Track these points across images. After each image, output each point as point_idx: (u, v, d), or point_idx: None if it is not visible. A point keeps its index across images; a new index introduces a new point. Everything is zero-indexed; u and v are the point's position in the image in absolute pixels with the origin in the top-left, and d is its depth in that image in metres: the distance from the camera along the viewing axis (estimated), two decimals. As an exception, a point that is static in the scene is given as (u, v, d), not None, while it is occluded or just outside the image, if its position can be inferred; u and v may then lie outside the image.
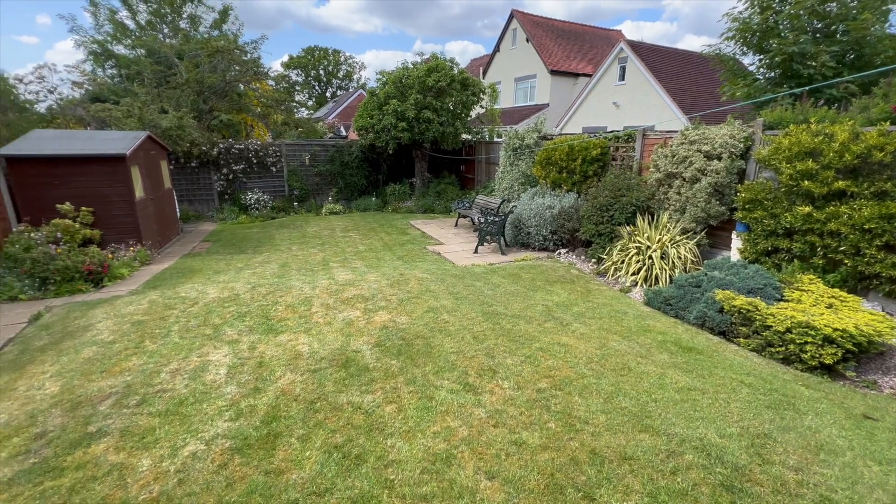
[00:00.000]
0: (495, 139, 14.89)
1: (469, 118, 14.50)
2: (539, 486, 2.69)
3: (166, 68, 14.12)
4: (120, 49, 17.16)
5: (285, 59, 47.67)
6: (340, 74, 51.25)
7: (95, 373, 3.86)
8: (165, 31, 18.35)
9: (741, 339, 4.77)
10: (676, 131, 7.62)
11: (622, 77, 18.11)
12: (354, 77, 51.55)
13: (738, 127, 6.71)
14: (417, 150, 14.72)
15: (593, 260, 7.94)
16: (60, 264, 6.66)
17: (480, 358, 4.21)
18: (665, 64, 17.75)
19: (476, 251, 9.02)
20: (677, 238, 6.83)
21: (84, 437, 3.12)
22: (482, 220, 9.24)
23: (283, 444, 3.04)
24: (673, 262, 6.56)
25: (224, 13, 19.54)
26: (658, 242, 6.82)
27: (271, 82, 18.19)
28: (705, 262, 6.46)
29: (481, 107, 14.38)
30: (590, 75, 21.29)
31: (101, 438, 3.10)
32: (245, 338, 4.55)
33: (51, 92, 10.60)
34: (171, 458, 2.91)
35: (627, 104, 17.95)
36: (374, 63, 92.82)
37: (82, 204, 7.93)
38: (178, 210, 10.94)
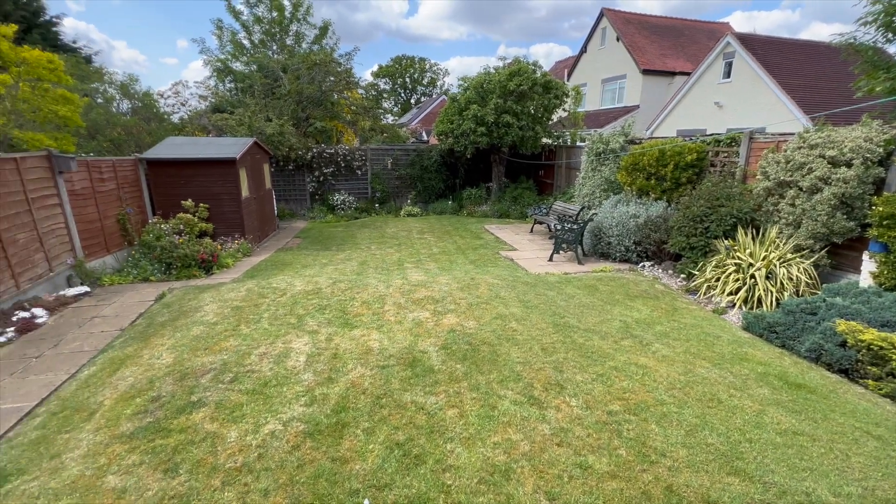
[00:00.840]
0: (577, 143, 14.30)
1: (550, 122, 14.11)
2: (604, 517, 2.50)
3: (272, 81, 15.75)
4: (237, 66, 19.43)
5: (375, 68, 50.62)
6: (425, 81, 53.06)
7: (200, 349, 4.41)
8: (274, 48, 20.34)
9: (869, 381, 4.00)
10: (792, 134, 6.67)
11: (727, 74, 16.32)
12: (438, 83, 53.04)
13: (876, 128, 5.67)
14: (495, 155, 14.67)
15: (682, 275, 7.24)
16: (181, 252, 7.74)
17: (548, 371, 4.04)
18: (781, 57, 15.63)
19: (551, 259, 8.72)
20: (788, 256, 5.95)
21: (187, 405, 3.57)
22: (559, 227, 8.91)
23: (350, 434, 3.19)
24: (781, 284, 5.72)
25: (324, 29, 21.19)
26: (763, 260, 6.00)
27: (361, 91, 19.46)
28: (824, 285, 5.55)
29: (564, 110, 13.91)
30: (688, 74, 19.54)
31: (200, 408, 3.52)
32: (323, 329, 4.88)
33: (183, 105, 12.47)
34: (253, 434, 3.21)
35: (732, 104, 16.12)
36: (458, 69, 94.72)
37: (200, 201, 9.14)
38: (275, 208, 12.13)
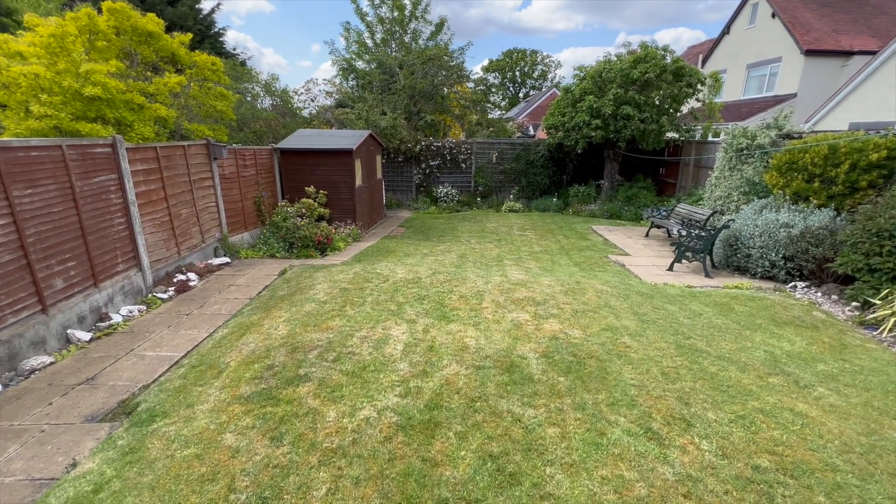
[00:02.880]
0: (711, 139, 12.42)
1: (678, 114, 12.46)
2: None
3: (389, 77, 16.53)
4: (360, 64, 20.83)
5: (485, 63, 50.53)
6: (535, 74, 51.49)
7: (310, 325, 4.68)
8: (393, 45, 21.35)
9: None
10: None
11: (934, 51, 12.61)
12: (549, 76, 51.07)
13: None
14: (609, 150, 13.47)
15: (854, 303, 5.74)
16: (302, 234, 8.48)
17: (670, 401, 3.42)
18: None
19: (671, 268, 7.65)
20: None
21: (295, 377, 3.77)
22: (683, 232, 7.76)
23: (441, 435, 3.04)
24: None
25: (440, 25, 21.60)
26: None
27: (470, 84, 19.47)
28: None
29: (697, 100, 12.14)
30: (872, 53, 15.68)
31: (305, 382, 3.69)
32: (421, 320, 4.84)
33: (312, 101, 13.75)
34: (350, 417, 3.24)
35: (939, 89, 12.43)
36: (571, 60, 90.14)
37: (320, 188, 9.93)
38: (384, 198, 12.73)
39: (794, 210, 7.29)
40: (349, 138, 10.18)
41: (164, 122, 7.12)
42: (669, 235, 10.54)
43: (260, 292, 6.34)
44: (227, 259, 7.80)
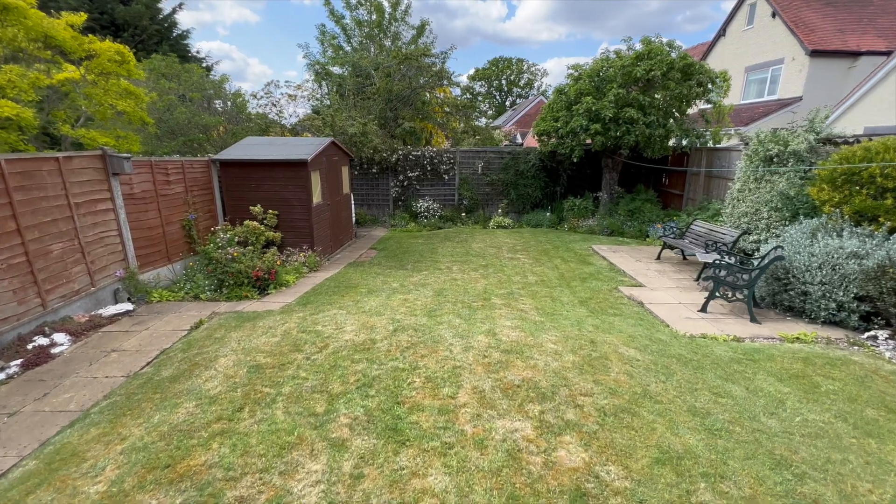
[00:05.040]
0: (725, 145, 10.78)
1: (685, 117, 10.80)
2: None
3: (364, 79, 14.68)
4: (336, 69, 18.97)
5: (472, 71, 49.05)
6: (521, 83, 50.16)
7: (158, 468, 2.66)
8: (372, 49, 19.53)
9: None
10: None
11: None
12: (535, 84, 49.80)
13: None
14: (608, 159, 11.73)
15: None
16: (235, 268, 6.49)
17: None
18: None
19: (704, 309, 5.84)
20: None
21: None
22: (719, 261, 5.96)
23: None
24: None
25: (421, 28, 19.90)
26: None
27: (456, 91, 17.73)
28: None
29: (708, 101, 10.49)
30: (881, 53, 14.32)
31: None
32: (357, 442, 2.89)
33: (274, 105, 11.82)
34: None
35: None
36: (556, 70, 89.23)
37: (269, 207, 7.97)
38: (353, 215, 10.80)
39: (861, 235, 5.55)
40: (305, 147, 8.25)
41: (20, 125, 5.11)
42: (685, 258, 8.79)
43: (150, 362, 4.36)
44: (128, 306, 5.78)
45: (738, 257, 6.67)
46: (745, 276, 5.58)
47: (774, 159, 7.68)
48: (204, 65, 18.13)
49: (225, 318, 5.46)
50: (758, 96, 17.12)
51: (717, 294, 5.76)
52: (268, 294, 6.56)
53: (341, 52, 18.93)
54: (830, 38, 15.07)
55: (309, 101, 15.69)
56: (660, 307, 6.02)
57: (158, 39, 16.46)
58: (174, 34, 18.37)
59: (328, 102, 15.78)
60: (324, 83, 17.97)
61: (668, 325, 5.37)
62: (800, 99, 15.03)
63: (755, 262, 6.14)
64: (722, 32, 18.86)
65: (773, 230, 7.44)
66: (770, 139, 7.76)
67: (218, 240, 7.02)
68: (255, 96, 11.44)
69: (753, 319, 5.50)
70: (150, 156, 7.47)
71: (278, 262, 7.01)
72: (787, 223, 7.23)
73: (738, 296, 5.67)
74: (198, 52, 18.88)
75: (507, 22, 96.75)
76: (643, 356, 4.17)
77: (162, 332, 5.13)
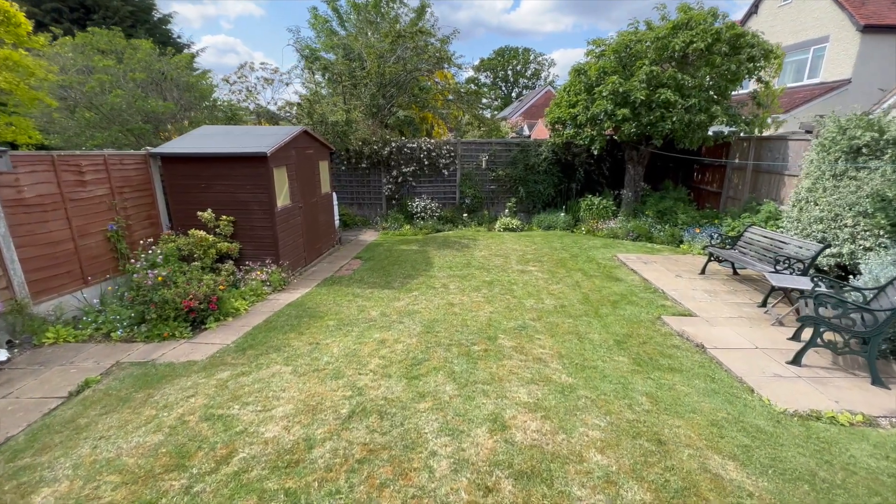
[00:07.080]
0: (780, 133, 8.90)
1: (730, 99, 8.91)
2: None
3: (357, 63, 12.90)
4: (331, 56, 17.26)
5: (476, 62, 46.75)
6: (528, 73, 47.79)
7: None
8: (369, 35, 17.67)
9: None
10: None
11: None
12: (543, 75, 47.40)
13: None
14: (633, 151, 9.89)
15: None
16: (161, 295, 4.84)
17: None
18: None
19: (797, 361, 4.06)
20: None
21: None
22: (821, 293, 4.16)
23: None
24: None
25: (421, 10, 17.98)
26: None
27: (460, 77, 15.88)
28: None
29: (759, 80, 8.58)
30: (947, 26, 12.20)
31: None
32: None
33: (250, 91, 10.15)
34: None
35: None
36: (561, 61, 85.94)
37: (223, 211, 6.32)
38: (337, 217, 9.10)
39: None
40: (267, 137, 6.54)
41: None
42: (735, 272, 7.00)
43: (-27, 466, 2.73)
44: (2, 353, 4.16)
45: (827, 282, 4.88)
46: (869, 318, 3.79)
47: (863, 149, 5.83)
48: (188, 52, 16.41)
49: (125, 375, 3.83)
50: (796, 80, 15.02)
51: (819, 342, 3.99)
52: (205, 329, 4.92)
53: (335, 37, 17.15)
54: (885, 12, 12.93)
55: (305, 86, 14.01)
56: (731, 355, 4.27)
57: (132, 23, 14.75)
58: (155, 18, 16.67)
59: (326, 92, 14.07)
60: (317, 71, 16.24)
61: (752, 391, 3.63)
62: (848, 81, 12.95)
63: (854, 292, 4.35)
64: (754, 10, 16.68)
65: (862, 241, 5.64)
66: (857, 124, 5.91)
67: (150, 255, 5.38)
68: (227, 80, 9.75)
69: (877, 381, 3.73)
70: (75, 150, 5.83)
71: (222, 287, 5.33)
72: (884, 233, 5.43)
73: (855, 346, 3.89)
74: (179, 38, 17.13)
75: (511, 13, 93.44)
76: (751, 478, 2.44)
77: (24, 402, 3.50)
